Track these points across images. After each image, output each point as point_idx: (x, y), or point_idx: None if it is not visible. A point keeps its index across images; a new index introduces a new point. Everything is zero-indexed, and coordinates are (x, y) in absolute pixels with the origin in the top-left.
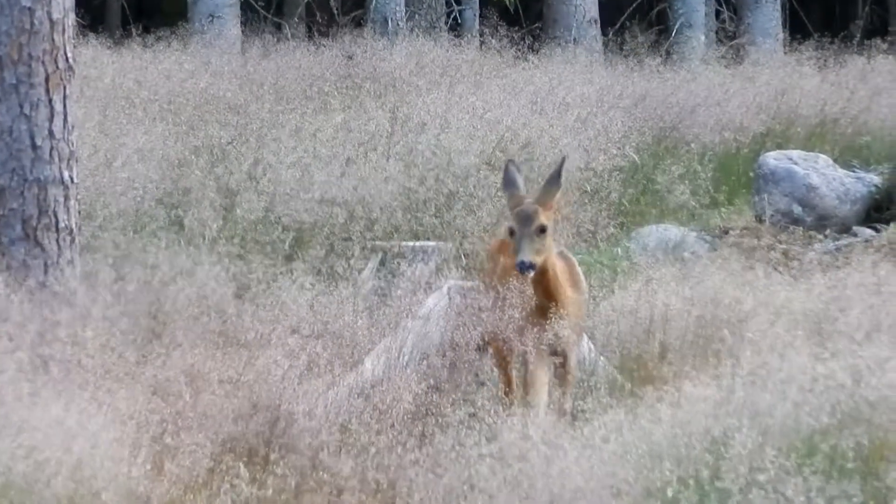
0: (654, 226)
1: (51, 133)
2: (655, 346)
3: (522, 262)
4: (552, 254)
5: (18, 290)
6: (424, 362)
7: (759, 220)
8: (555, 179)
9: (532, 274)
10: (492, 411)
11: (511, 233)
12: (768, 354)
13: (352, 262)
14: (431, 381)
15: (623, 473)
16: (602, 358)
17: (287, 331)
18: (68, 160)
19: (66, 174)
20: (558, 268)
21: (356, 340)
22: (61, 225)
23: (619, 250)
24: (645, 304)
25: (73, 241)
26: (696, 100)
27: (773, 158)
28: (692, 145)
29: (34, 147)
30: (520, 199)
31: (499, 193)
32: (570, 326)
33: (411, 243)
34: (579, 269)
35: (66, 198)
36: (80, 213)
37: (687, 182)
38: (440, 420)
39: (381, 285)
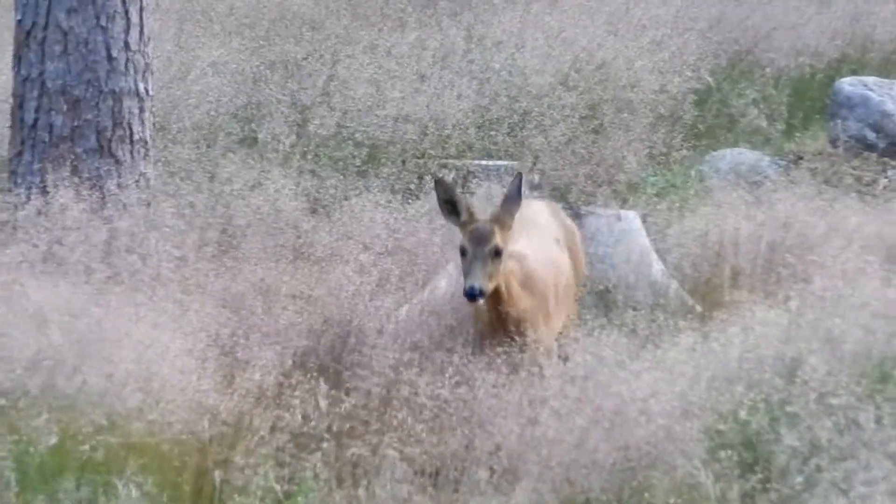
0: (727, 149)
1: (126, 45)
2: (726, 269)
3: (472, 288)
4: (508, 274)
5: (91, 201)
6: None
7: (833, 145)
8: (514, 196)
9: (481, 302)
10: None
11: (463, 253)
12: (840, 280)
13: (424, 179)
14: None
15: (694, 395)
16: (673, 281)
17: (359, 247)
18: (143, 72)
19: (141, 86)
20: (514, 283)
21: (428, 258)
22: (135, 137)
23: (693, 173)
24: (715, 227)
25: (146, 153)
26: (772, 23)
27: (847, 84)
28: (767, 69)
29: (110, 58)
30: (474, 217)
31: (572, 112)
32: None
33: (484, 161)
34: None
35: (141, 110)
36: (153, 125)
37: (761, 106)
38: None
39: None
